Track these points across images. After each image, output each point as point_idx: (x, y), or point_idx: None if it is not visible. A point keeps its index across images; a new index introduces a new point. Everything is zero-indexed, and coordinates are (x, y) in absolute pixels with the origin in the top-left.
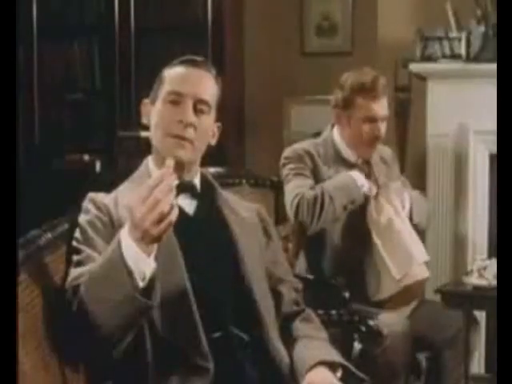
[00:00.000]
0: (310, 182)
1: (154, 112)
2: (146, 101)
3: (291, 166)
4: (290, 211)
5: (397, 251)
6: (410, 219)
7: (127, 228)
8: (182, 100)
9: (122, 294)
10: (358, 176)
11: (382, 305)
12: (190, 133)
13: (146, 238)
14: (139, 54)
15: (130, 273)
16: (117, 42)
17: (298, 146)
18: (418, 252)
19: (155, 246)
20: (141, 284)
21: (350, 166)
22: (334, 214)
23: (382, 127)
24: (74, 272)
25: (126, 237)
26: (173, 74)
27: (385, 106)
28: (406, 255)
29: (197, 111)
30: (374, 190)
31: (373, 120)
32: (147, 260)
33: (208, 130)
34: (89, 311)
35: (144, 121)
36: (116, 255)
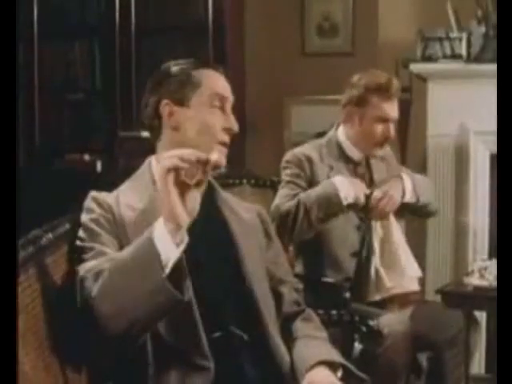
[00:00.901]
0: (298, 191)
1: (191, 116)
2: (166, 101)
3: (287, 171)
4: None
5: (392, 263)
6: (417, 200)
7: (162, 220)
8: (224, 105)
9: (152, 283)
10: (342, 185)
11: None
12: (228, 138)
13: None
14: (140, 54)
15: (161, 263)
16: (117, 42)
17: (299, 150)
18: (411, 267)
19: (185, 237)
20: (167, 271)
21: (354, 164)
22: (309, 228)
23: (393, 128)
24: (88, 265)
25: (160, 227)
26: (209, 77)
27: (396, 107)
28: (399, 269)
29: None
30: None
31: (385, 120)
32: (176, 250)
33: None
34: (109, 300)
35: (172, 124)
36: (147, 245)
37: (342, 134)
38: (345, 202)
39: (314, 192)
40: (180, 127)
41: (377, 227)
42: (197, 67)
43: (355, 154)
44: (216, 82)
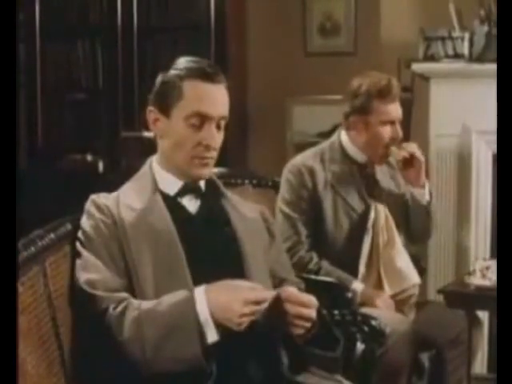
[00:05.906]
0: (299, 224)
1: (170, 127)
2: (152, 108)
3: (288, 196)
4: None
5: (393, 270)
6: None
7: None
8: (206, 121)
9: (188, 353)
10: (355, 291)
11: None
12: (213, 153)
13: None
14: (142, 55)
15: (201, 334)
16: (119, 42)
17: (300, 161)
18: (412, 274)
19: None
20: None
21: (358, 165)
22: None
23: (399, 128)
24: (83, 275)
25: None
26: (193, 92)
27: (399, 107)
28: (400, 276)
29: (219, 128)
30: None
31: (392, 123)
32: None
33: (222, 138)
34: (138, 346)
35: (154, 132)
36: (190, 316)
37: (345, 138)
38: (349, 297)
39: (329, 273)
40: (163, 136)
41: (381, 232)
42: (188, 76)
43: (359, 156)
44: (200, 98)
